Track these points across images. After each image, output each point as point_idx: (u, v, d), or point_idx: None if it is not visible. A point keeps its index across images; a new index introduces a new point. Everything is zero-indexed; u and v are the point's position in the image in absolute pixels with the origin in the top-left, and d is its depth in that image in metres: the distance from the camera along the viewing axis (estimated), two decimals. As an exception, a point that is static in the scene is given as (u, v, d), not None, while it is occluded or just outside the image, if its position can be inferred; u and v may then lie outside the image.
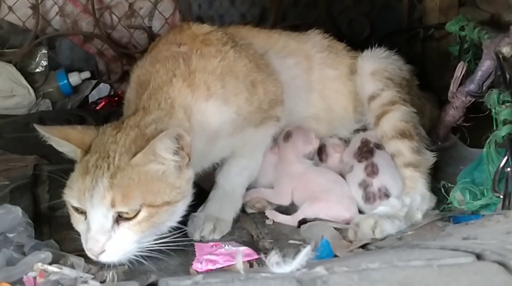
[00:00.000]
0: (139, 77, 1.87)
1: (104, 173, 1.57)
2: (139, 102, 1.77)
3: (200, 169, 1.84)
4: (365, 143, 1.99)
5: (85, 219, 1.60)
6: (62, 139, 1.65)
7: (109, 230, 1.57)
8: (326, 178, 1.97)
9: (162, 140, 1.58)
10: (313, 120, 2.11)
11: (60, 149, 1.69)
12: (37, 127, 1.65)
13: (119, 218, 1.57)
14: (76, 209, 1.62)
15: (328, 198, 1.90)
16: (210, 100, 1.80)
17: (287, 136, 2.04)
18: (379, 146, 1.97)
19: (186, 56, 1.84)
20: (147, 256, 1.60)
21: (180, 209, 1.66)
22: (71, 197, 1.62)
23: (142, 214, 1.58)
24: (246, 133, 1.91)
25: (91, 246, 1.56)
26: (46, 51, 2.95)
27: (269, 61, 2.02)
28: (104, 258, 1.57)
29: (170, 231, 1.65)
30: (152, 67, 1.85)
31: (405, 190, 1.87)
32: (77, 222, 1.63)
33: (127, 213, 1.57)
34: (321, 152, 2.07)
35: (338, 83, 2.12)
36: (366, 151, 1.97)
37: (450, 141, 2.12)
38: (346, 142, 2.09)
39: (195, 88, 1.79)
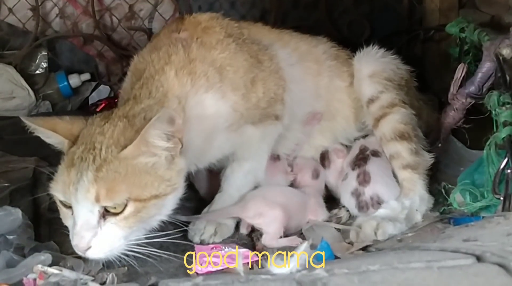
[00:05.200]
0: (135, 65, 1.83)
1: (89, 165, 1.52)
2: (131, 91, 1.72)
3: (194, 168, 1.80)
4: (362, 151, 1.98)
5: (72, 214, 1.55)
6: (49, 130, 1.60)
7: (95, 226, 1.52)
8: None
9: (154, 125, 1.52)
10: (317, 130, 2.08)
11: (47, 140, 1.64)
12: (23, 118, 1.60)
13: (106, 213, 1.53)
14: (64, 204, 1.58)
15: None
16: (210, 92, 1.75)
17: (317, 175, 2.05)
18: (376, 153, 1.95)
19: (186, 43, 1.79)
20: (146, 257, 1.60)
21: (170, 202, 1.61)
22: (56, 191, 1.58)
23: (129, 209, 1.53)
24: (245, 132, 1.87)
25: (76, 243, 1.52)
26: (46, 53, 2.95)
27: (274, 54, 1.95)
28: (90, 255, 1.53)
29: (161, 226, 1.62)
30: (149, 55, 1.80)
31: (404, 192, 1.87)
32: (65, 217, 1.59)
33: (114, 208, 1.52)
34: (323, 158, 2.07)
35: (343, 94, 2.09)
36: (361, 159, 1.95)
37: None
38: (347, 147, 2.08)
39: (195, 78, 1.74)
